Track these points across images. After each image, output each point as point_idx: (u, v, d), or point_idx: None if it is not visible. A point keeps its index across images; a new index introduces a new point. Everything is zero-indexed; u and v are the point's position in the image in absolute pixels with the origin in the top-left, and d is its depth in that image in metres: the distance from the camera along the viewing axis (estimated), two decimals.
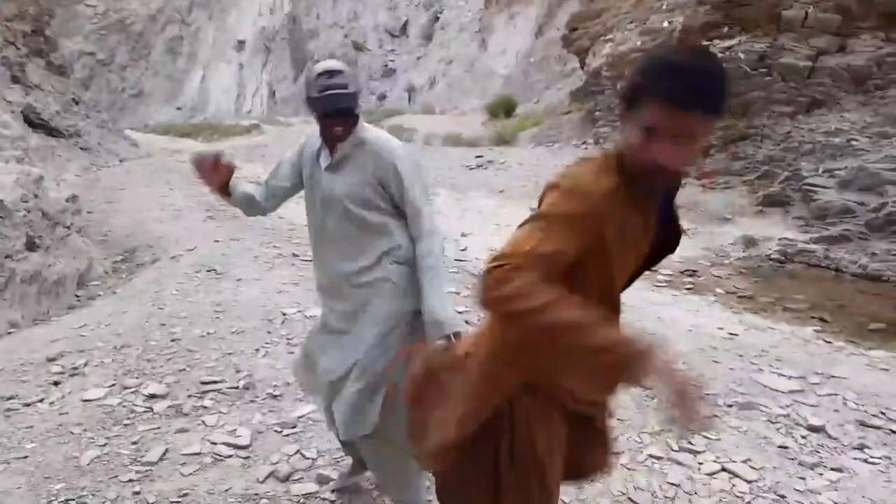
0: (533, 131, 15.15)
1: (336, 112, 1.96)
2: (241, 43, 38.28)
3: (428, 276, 1.97)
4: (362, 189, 1.99)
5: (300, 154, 2.17)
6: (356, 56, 39.18)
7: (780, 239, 7.21)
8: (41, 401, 3.32)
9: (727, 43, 9.26)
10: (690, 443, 2.79)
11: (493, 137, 16.09)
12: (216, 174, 2.04)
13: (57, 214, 6.52)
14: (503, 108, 19.75)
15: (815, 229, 7.12)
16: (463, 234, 7.95)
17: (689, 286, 6.16)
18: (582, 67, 14.74)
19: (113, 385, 3.46)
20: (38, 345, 4.21)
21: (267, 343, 3.92)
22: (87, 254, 6.71)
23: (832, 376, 3.63)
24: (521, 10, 25.26)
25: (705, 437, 2.83)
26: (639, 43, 11.54)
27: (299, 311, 4.54)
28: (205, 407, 3.19)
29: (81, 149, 13.19)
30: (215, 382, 3.42)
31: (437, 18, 35.92)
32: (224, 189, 2.10)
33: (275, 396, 3.27)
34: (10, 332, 4.89)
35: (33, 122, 12.10)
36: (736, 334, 4.44)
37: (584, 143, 13.09)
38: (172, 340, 4.06)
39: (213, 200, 9.64)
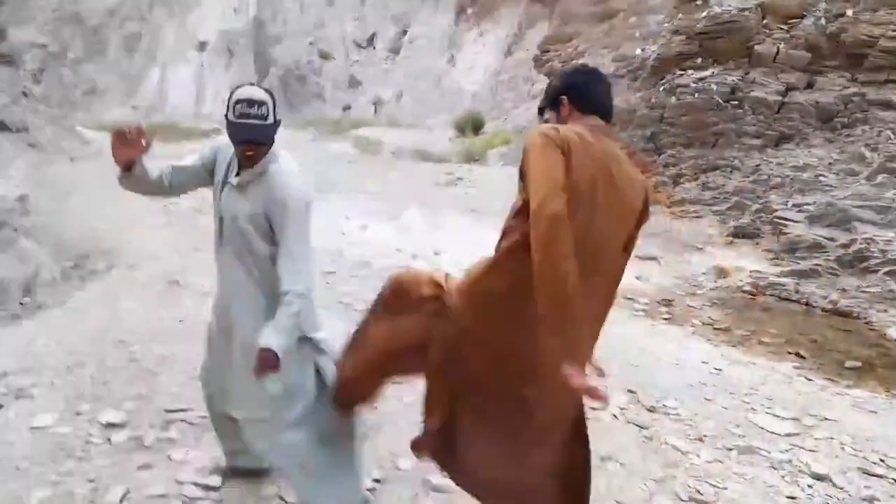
0: (502, 150, 15.13)
1: (247, 141, 2.01)
2: (203, 44, 37.41)
3: (277, 317, 1.99)
4: (256, 215, 2.06)
5: (213, 156, 2.20)
6: (321, 64, 38.76)
7: (751, 271, 7.28)
8: None
9: (700, 74, 9.41)
10: (699, 492, 2.65)
11: (461, 154, 16.02)
12: (132, 147, 2.02)
13: (3, 213, 6.04)
14: (471, 125, 19.75)
15: (786, 262, 7.21)
16: (436, 253, 7.76)
17: (665, 316, 6.11)
18: None
19: (64, 410, 3.11)
20: None
21: None
22: (35, 258, 6.23)
23: (825, 418, 3.57)
24: (490, 28, 25.45)
25: (713, 485, 2.70)
26: (612, 69, 11.66)
27: None
28: (170, 439, 2.88)
29: (30, 145, 12.45)
30: (181, 411, 3.11)
31: (405, 32, 35.90)
32: (130, 166, 2.07)
33: None
34: None
35: None
36: (720, 369, 4.37)
37: None
38: (131, 360, 3.72)
39: (170, 206, 9.21)
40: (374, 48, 39.80)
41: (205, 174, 2.22)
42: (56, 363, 3.66)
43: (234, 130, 1.99)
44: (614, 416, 3.39)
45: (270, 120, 2.00)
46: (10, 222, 6.02)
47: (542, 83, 19.31)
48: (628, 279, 7.32)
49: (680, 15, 10.13)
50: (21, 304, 5.62)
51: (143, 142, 2.02)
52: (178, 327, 4.29)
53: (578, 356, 1.51)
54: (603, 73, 1.88)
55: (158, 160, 2.19)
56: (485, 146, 16.05)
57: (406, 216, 10.17)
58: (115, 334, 4.12)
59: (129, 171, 2.07)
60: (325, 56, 39.14)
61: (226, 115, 2.01)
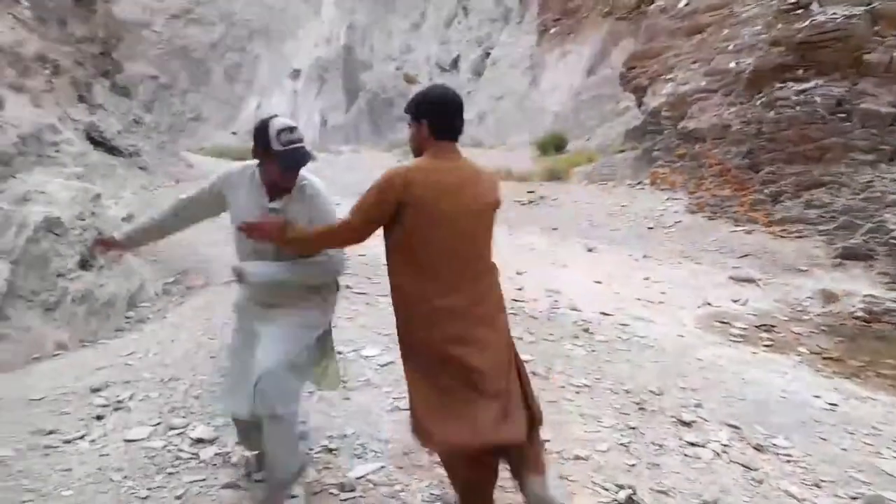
0: (586, 168, 14.80)
1: (299, 167, 2.20)
2: (297, 72, 39.27)
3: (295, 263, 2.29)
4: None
5: (222, 185, 2.39)
6: (406, 88, 39.68)
7: (864, 296, 6.66)
8: (82, 437, 3.10)
9: (802, 86, 8.82)
10: None
11: (543, 173, 15.78)
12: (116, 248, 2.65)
13: (112, 232, 6.47)
14: (553, 145, 19.49)
15: None
16: (518, 273, 7.62)
17: (767, 343, 5.67)
18: (639, 106, 14.40)
19: (158, 424, 3.23)
20: (83, 371, 4.04)
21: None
22: (139, 275, 6.63)
23: None
24: (573, 48, 25.15)
25: None
26: (703, 83, 11.18)
27: (354, 351, 4.27)
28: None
29: (140, 168, 13.42)
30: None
31: (488, 54, 36.18)
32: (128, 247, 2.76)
33: (331, 450, 2.98)
34: (56, 354, 4.76)
35: (95, 140, 12.36)
36: (835, 405, 3.97)
37: (639, 182, 12.67)
38: (222, 376, 3.83)
39: None
40: (458, 71, 40.34)
41: (213, 206, 2.44)
42: (152, 376, 3.83)
43: (287, 157, 2.15)
44: (716, 453, 3.13)
45: (306, 143, 2.23)
46: None
47: (627, 101, 18.84)
48: (724, 302, 6.90)
49: (779, 25, 9.56)
50: (126, 318, 5.99)
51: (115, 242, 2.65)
52: None
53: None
54: (459, 98, 2.19)
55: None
56: (568, 165, 15.75)
57: None
58: (208, 349, 4.27)
59: (131, 245, 2.78)
60: (410, 80, 40.04)
61: (270, 148, 2.15)
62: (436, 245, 2.04)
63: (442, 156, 2.10)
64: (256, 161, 2.31)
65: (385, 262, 2.16)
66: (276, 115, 2.24)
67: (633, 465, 2.97)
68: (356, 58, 39.98)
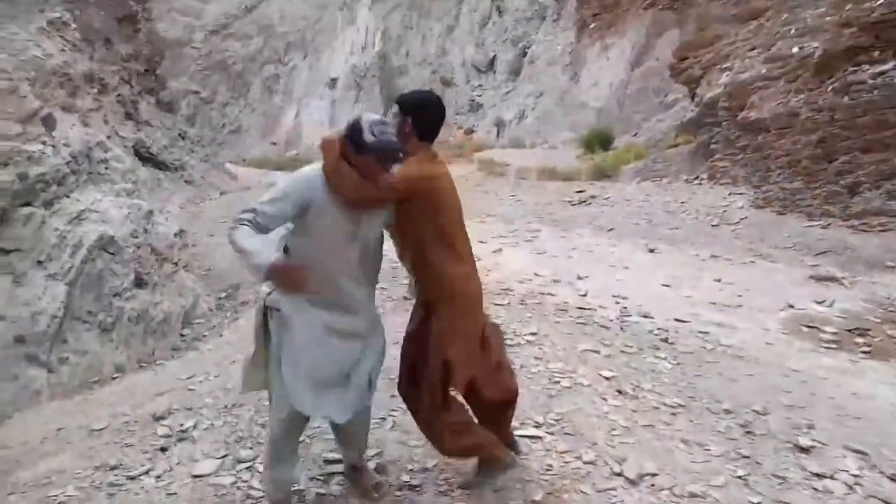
0: (636, 165, 14.27)
1: (395, 157, 2.20)
2: (334, 80, 39.51)
3: None
4: (380, 230, 2.39)
5: (303, 192, 2.19)
6: (443, 91, 39.52)
7: None
8: (147, 472, 2.90)
9: (879, 68, 8.20)
10: None
11: (591, 171, 15.32)
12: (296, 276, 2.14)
13: (165, 250, 6.37)
14: (599, 141, 18.95)
15: None
16: (579, 277, 7.24)
17: (864, 349, 5.17)
18: (692, 98, 13.81)
19: (225, 456, 3.00)
20: (143, 397, 3.88)
21: (394, 411, 3.38)
22: (193, 290, 6.52)
23: None
24: (615, 41, 24.51)
25: None
26: (763, 70, 10.58)
27: None
28: (332, 496, 2.65)
29: (186, 181, 13.52)
30: (340, 462, 2.89)
31: (525, 53, 35.73)
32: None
33: (412, 487, 2.70)
34: (115, 378, 4.64)
35: (143, 155, 12.49)
36: None
37: (696, 177, 12.11)
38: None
39: None
40: (494, 72, 40.02)
41: (292, 214, 2.20)
42: (214, 402, 3.63)
43: (383, 148, 2.13)
44: (848, 486, 2.74)
45: None
46: (170, 257, 6.33)
47: (677, 93, 18.19)
48: (806, 303, 6.39)
49: (848, 6, 8.93)
50: (181, 336, 5.86)
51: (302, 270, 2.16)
52: None
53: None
54: (443, 105, 2.44)
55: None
56: (617, 162, 15.24)
57: (540, 238, 9.73)
58: None
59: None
60: (446, 83, 39.91)
61: (364, 142, 2.11)
62: (462, 237, 2.51)
63: (436, 160, 2.42)
64: (318, 167, 2.20)
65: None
66: (364, 112, 2.26)
67: None
68: (392, 64, 40.02)
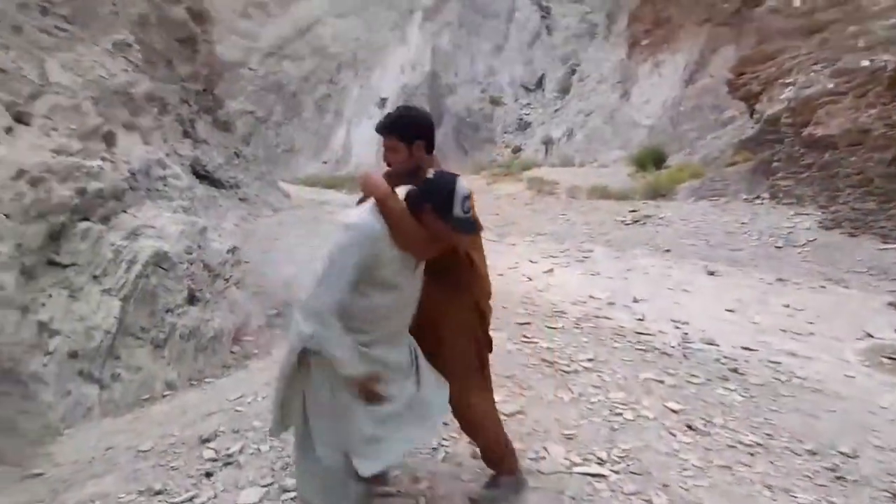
0: (692, 184, 13.80)
1: (472, 234, 2.20)
2: (384, 100, 40.05)
3: None
4: None
5: (367, 257, 2.04)
6: (492, 110, 39.58)
7: None
8: (191, 500, 2.80)
9: None
10: None
11: (644, 190, 14.91)
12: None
13: (217, 266, 6.40)
14: (651, 160, 18.46)
15: None
16: (635, 300, 6.94)
17: None
18: (751, 115, 13.31)
19: (271, 484, 2.88)
20: (192, 416, 3.81)
21: (445, 440, 3.20)
22: (244, 308, 6.52)
23: None
24: (667, 57, 24.02)
25: None
26: (830, 85, 10.09)
27: None
28: None
29: (240, 199, 13.76)
30: (390, 496, 2.73)
31: (574, 71, 35.45)
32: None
33: None
34: (165, 395, 4.60)
35: (199, 173, 12.78)
36: None
37: (757, 196, 11.60)
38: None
39: None
40: (543, 90, 39.83)
41: (359, 278, 2.08)
42: (262, 425, 3.52)
43: (467, 226, 2.09)
44: None
45: None
46: (222, 274, 6.35)
47: (733, 110, 17.62)
48: (885, 332, 5.92)
49: None
50: (231, 353, 5.84)
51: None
52: None
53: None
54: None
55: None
56: (671, 181, 14.78)
57: (593, 258, 9.44)
58: None
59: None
60: (494, 101, 39.94)
61: (449, 210, 2.03)
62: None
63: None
64: (371, 220, 2.05)
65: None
66: (458, 176, 2.11)
67: None
68: (441, 82, 40.33)
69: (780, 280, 7.70)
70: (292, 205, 15.43)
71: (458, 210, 2.03)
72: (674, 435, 3.33)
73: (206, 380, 5.03)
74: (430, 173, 2.10)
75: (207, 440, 3.39)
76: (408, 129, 2.28)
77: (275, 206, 14.45)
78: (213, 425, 3.58)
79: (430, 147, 2.33)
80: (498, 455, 2.61)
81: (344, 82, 42.02)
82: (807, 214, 9.70)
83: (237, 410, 3.76)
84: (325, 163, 37.86)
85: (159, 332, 4.99)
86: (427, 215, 2.05)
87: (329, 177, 30.88)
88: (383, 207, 2.05)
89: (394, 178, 2.24)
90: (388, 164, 2.35)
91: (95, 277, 4.77)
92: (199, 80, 16.45)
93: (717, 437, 3.37)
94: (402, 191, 2.14)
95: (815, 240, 8.81)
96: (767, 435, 3.45)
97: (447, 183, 2.06)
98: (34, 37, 7.45)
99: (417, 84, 39.47)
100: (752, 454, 3.19)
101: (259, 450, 3.24)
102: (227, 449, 3.26)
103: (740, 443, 3.31)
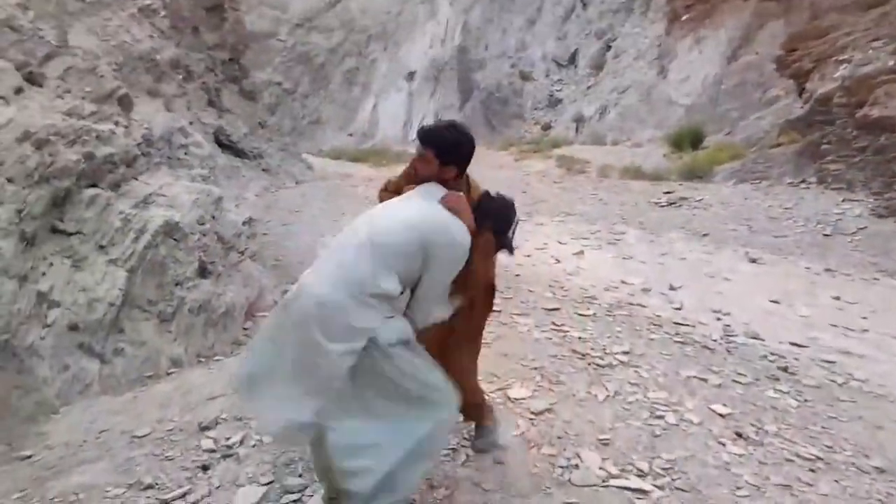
0: (733, 165, 13.16)
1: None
2: (412, 73, 39.43)
3: None
4: None
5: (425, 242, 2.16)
6: (522, 85, 38.71)
7: None
8: (183, 497, 2.53)
9: None
10: None
11: (681, 171, 14.30)
12: None
13: (232, 238, 6.13)
14: (689, 139, 17.74)
15: None
16: (672, 288, 6.52)
17: None
18: (800, 94, 12.57)
19: (271, 482, 2.60)
20: (194, 399, 3.55)
21: (466, 441, 2.87)
22: (259, 281, 6.26)
23: None
24: (709, 33, 22.99)
25: None
26: (891, 63, 9.38)
27: (500, 390, 3.47)
28: None
29: (263, 170, 13.53)
30: None
31: (609, 47, 34.34)
32: None
33: None
34: (170, 373, 4.36)
35: (223, 143, 12.56)
36: None
37: (802, 180, 10.97)
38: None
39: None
40: (576, 66, 38.75)
41: None
42: None
43: (508, 245, 2.37)
44: None
45: None
46: (237, 246, 6.08)
47: (778, 89, 16.77)
48: None
49: None
50: (244, 329, 5.59)
51: None
52: None
53: None
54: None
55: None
56: (710, 162, 14.13)
57: (625, 241, 8.99)
58: None
59: None
60: (525, 77, 39.05)
61: (504, 231, 2.32)
62: None
63: None
64: (453, 219, 2.17)
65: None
66: (514, 202, 2.40)
67: None
68: (471, 57, 39.51)
69: (828, 270, 7.18)
70: (315, 177, 15.14)
71: (511, 235, 2.34)
72: (723, 444, 2.96)
73: (216, 357, 4.79)
74: (490, 193, 2.40)
75: (207, 428, 3.13)
76: (447, 152, 2.29)
77: (298, 177, 14.20)
78: (215, 411, 3.32)
79: (461, 173, 2.36)
80: (477, 404, 2.70)
81: (373, 55, 41.46)
82: (858, 201, 9.08)
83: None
84: (351, 135, 37.52)
85: (167, 306, 4.74)
86: (485, 232, 2.26)
87: (355, 150, 30.53)
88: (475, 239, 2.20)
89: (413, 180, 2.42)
90: (416, 170, 2.40)
91: (102, 247, 4.52)
92: (226, 49, 16.17)
93: (772, 448, 2.99)
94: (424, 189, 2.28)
95: (867, 228, 8.23)
96: (828, 447, 3.06)
97: (511, 210, 2.34)
98: (61, 0, 7.22)
99: (447, 58, 38.75)
100: (812, 470, 2.81)
101: (262, 441, 2.96)
102: (228, 439, 2.99)
103: (798, 455, 2.93)
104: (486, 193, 2.40)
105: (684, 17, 25.21)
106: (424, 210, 2.13)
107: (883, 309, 5.94)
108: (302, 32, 42.46)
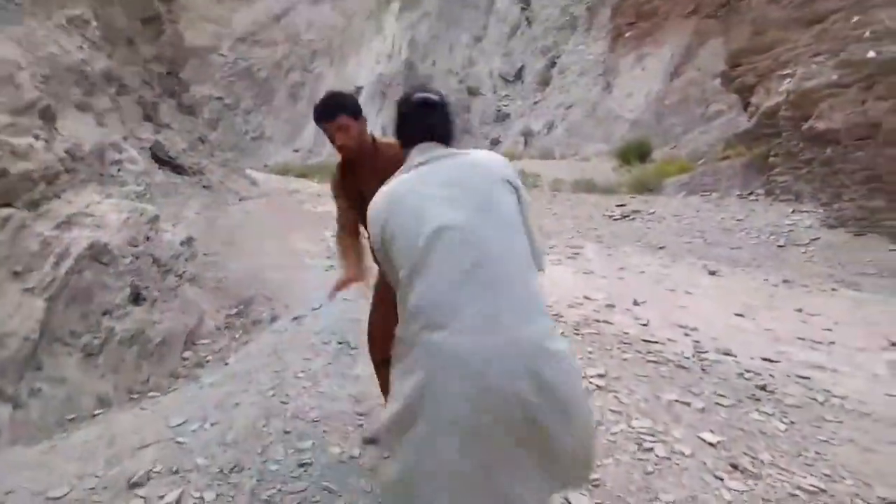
0: (681, 178, 13.33)
1: None
2: (359, 89, 39.08)
3: None
4: None
5: None
6: (469, 101, 38.90)
7: None
8: None
9: None
10: None
11: (631, 184, 14.43)
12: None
13: (169, 261, 5.61)
14: (636, 153, 18.03)
15: None
16: (636, 303, 6.35)
17: None
18: (745, 108, 12.86)
19: None
20: (122, 448, 3.07)
21: None
22: (199, 307, 5.75)
23: None
24: (651, 50, 23.60)
25: None
26: (834, 77, 9.62)
27: None
28: None
29: (204, 187, 12.86)
30: None
31: (555, 63, 34.92)
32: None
33: None
34: (95, 414, 3.85)
35: (160, 158, 11.87)
36: None
37: (751, 192, 11.16)
38: (301, 466, 2.77)
39: (333, 247, 8.70)
40: (522, 82, 39.25)
41: None
42: (208, 463, 2.81)
43: None
44: None
45: None
46: (174, 269, 5.57)
47: (720, 104, 17.23)
48: None
49: None
50: (182, 359, 5.08)
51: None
52: (354, 413, 3.33)
53: None
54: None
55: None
56: (658, 175, 14.31)
57: (584, 255, 8.85)
58: (281, 422, 3.22)
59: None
60: (472, 92, 39.28)
61: None
62: None
63: None
64: None
65: None
66: None
67: None
68: (418, 73, 39.48)
69: (786, 281, 7.18)
70: (260, 193, 14.56)
71: None
72: (720, 479, 2.71)
73: (150, 394, 4.27)
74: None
75: (137, 484, 2.67)
76: (354, 106, 2.42)
77: (242, 193, 13.58)
78: (146, 462, 2.86)
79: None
80: None
81: (318, 69, 40.95)
82: (807, 212, 9.24)
83: (179, 442, 3.04)
84: (297, 151, 36.82)
85: (93, 338, 4.22)
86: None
87: (301, 165, 29.88)
88: None
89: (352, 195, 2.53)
90: (340, 146, 2.42)
91: (16, 274, 3.98)
92: (164, 62, 15.45)
93: (770, 480, 2.76)
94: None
95: (819, 239, 8.34)
96: (827, 476, 2.86)
97: None
98: None
99: (394, 74, 38.60)
100: None
101: (203, 499, 2.54)
102: (162, 498, 2.55)
103: (800, 488, 2.70)
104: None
105: (627, 35, 25.84)
106: (477, 157, 1.78)
107: (844, 320, 5.91)
108: (244, 47, 41.61)
